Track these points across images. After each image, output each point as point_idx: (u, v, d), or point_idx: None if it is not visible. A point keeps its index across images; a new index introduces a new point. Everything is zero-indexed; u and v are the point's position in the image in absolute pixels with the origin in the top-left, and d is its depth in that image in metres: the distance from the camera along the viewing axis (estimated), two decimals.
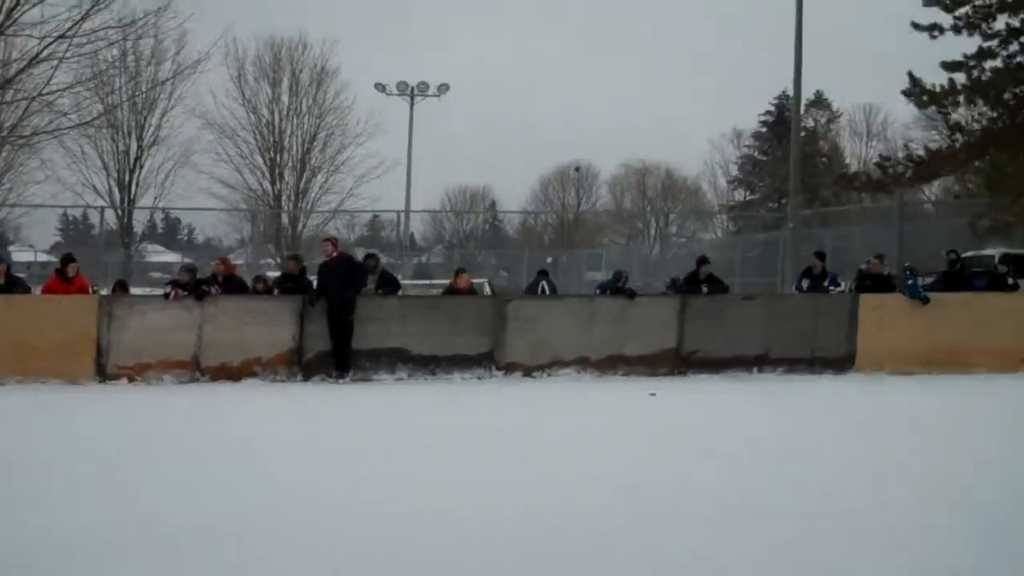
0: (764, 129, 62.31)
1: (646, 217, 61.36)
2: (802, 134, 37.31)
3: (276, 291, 16.63)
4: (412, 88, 43.52)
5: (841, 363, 16.67)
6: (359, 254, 26.07)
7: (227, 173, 44.91)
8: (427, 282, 26.47)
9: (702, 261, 18.16)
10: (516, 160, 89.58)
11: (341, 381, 15.54)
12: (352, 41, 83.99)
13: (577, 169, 64.38)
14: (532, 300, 17.32)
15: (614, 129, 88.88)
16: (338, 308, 15.75)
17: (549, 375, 16.06)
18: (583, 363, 16.29)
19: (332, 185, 45.90)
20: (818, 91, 61.63)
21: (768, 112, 61.46)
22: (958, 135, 28.95)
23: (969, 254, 24.01)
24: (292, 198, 45.53)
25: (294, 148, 46.12)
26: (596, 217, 62.57)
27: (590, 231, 58.91)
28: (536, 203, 65.57)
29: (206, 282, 16.30)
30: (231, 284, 16.66)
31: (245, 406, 12.75)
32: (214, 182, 44.70)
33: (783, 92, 56.95)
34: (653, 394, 13.76)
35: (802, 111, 34.91)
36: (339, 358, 15.72)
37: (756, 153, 63.40)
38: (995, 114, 27.71)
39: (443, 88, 43.89)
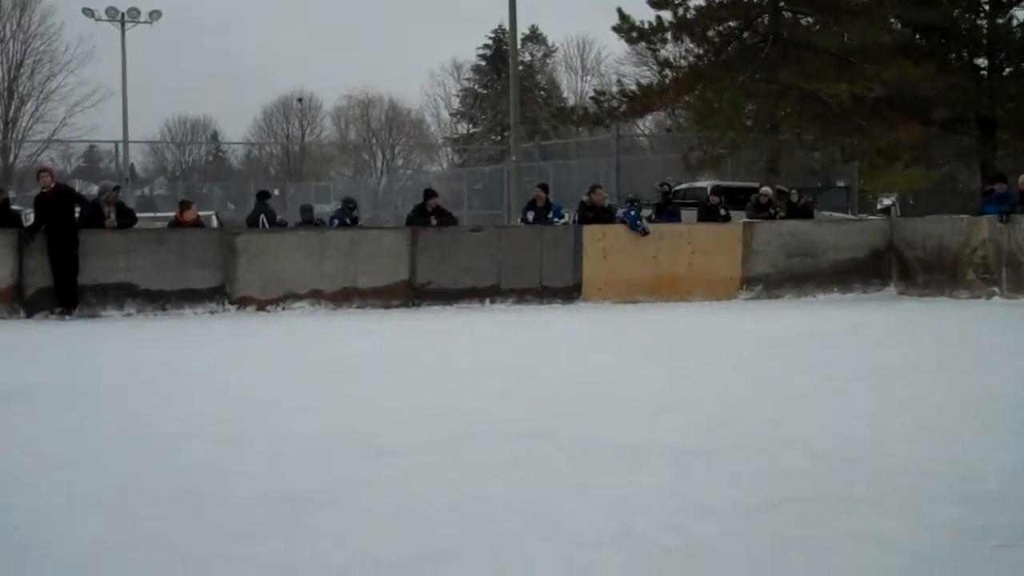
0: (483, 63, 63.06)
1: (372, 149, 61.22)
2: (520, 68, 38.00)
3: None
4: (123, 14, 41.78)
5: (568, 292, 17.34)
6: (77, 185, 25.09)
7: None
8: (151, 215, 25.74)
9: (429, 194, 18.45)
10: (237, 90, 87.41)
11: (68, 318, 15.03)
12: None
13: (299, 100, 63.43)
14: (262, 233, 17.17)
15: (335, 59, 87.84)
16: (60, 242, 15.19)
17: (283, 309, 16.02)
18: (317, 296, 16.34)
19: (44, 114, 44.07)
20: (533, 26, 62.84)
21: (486, 46, 62.20)
22: (667, 71, 30.09)
23: (683, 186, 25.28)
24: (0, 128, 43.17)
25: None
26: (322, 149, 61.89)
27: (316, 163, 58.30)
28: (259, 134, 64.25)
29: None
30: None
31: None
32: None
33: (500, 26, 57.78)
34: None
35: (518, 45, 35.49)
36: (64, 294, 15.19)
37: (476, 86, 64.14)
38: (701, 51, 28.95)
39: (155, 15, 42.30)
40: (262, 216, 17.94)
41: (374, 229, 18.46)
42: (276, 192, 29.50)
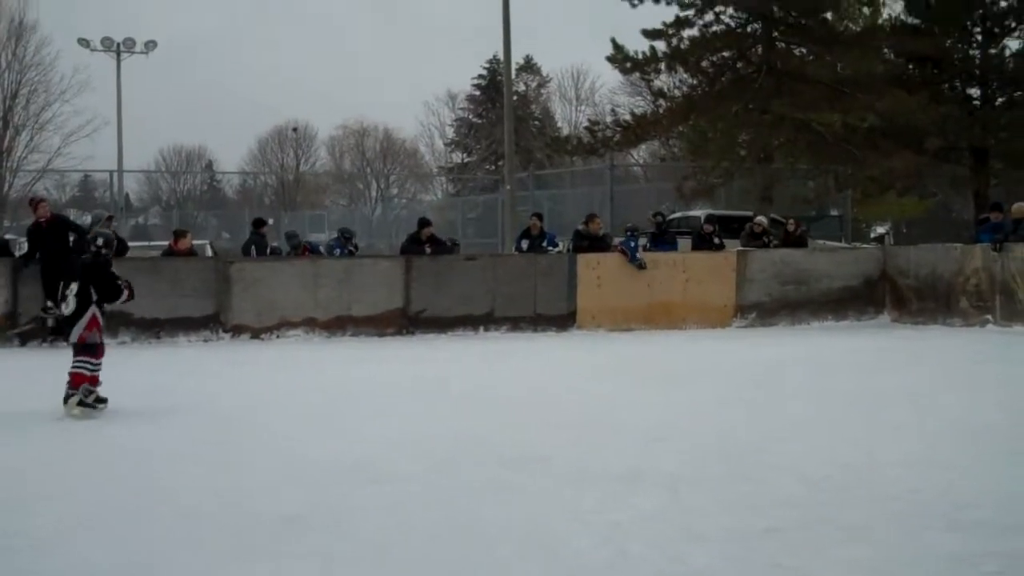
0: (478, 92, 63.26)
1: (366, 178, 61.22)
2: (514, 98, 38.11)
3: None
4: (118, 44, 41.75)
5: (563, 321, 17.33)
6: (72, 215, 25.04)
7: None
8: (145, 243, 25.76)
9: (424, 223, 18.49)
10: (232, 120, 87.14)
11: (61, 346, 14.97)
12: None
13: (295, 129, 63.32)
14: (257, 262, 17.18)
15: (330, 89, 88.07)
16: (55, 271, 15.16)
17: (278, 336, 16.01)
18: (311, 324, 16.32)
19: (39, 144, 43.98)
20: (527, 56, 63.00)
21: (480, 76, 62.42)
22: (661, 101, 30.19)
23: (677, 215, 25.33)
24: None
25: None
26: (316, 178, 61.85)
27: (311, 192, 58.26)
28: (254, 164, 64.18)
29: None
30: None
31: None
32: None
33: (494, 56, 57.94)
34: None
35: (513, 76, 35.63)
36: (60, 322, 15.13)
37: (471, 116, 64.31)
38: (695, 81, 29.04)
39: (151, 45, 42.25)
40: (253, 247, 17.95)
41: (368, 258, 18.50)
42: (271, 221, 29.59)
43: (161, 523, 5.54)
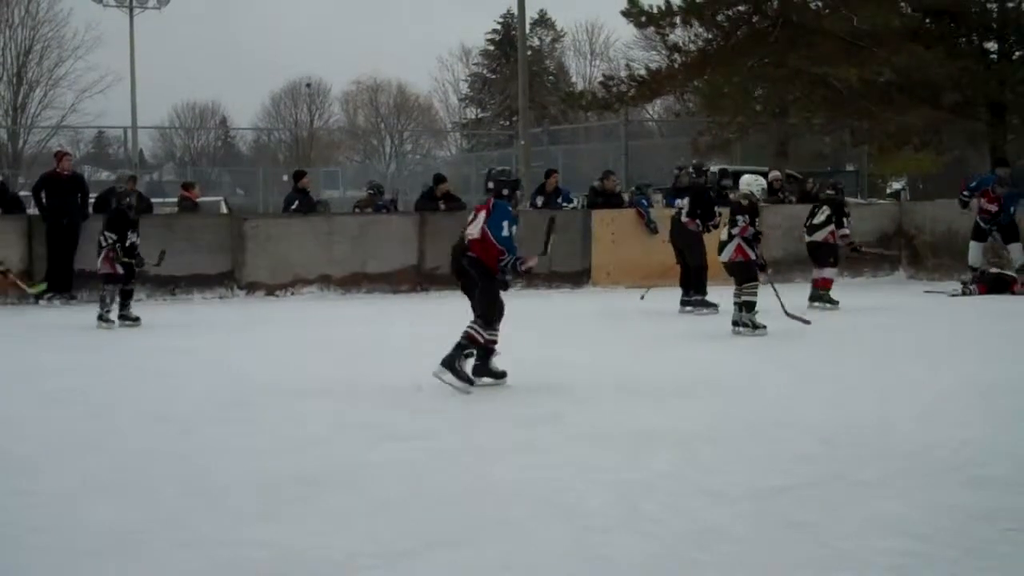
0: (492, 47, 62.89)
1: (380, 134, 60.99)
2: (528, 53, 37.89)
3: None
4: (131, 0, 41.67)
5: (577, 277, 17.31)
6: (87, 172, 25.10)
7: None
8: (160, 200, 25.70)
9: (439, 179, 18.46)
10: (245, 77, 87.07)
11: (73, 302, 15.01)
12: None
13: (308, 85, 63.11)
14: (271, 218, 17.23)
15: (343, 45, 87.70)
16: (68, 228, 15.21)
17: (292, 294, 16.05)
18: (325, 281, 16.35)
19: (52, 100, 44.09)
20: (542, 10, 62.49)
21: (494, 31, 62.03)
22: (676, 55, 29.89)
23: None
24: (10, 113, 43.24)
25: (8, 61, 43.85)
26: (330, 134, 61.64)
27: (325, 148, 58.07)
28: (268, 120, 63.79)
29: None
30: None
31: None
32: None
33: (508, 11, 57.57)
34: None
35: (527, 30, 35.39)
36: (62, 278, 15.13)
37: (485, 71, 63.98)
38: (710, 35, 28.76)
39: (163, 0, 42.18)
40: (297, 203, 17.51)
41: (383, 214, 18.49)
42: (285, 178, 29.43)
43: (176, 483, 5.56)
